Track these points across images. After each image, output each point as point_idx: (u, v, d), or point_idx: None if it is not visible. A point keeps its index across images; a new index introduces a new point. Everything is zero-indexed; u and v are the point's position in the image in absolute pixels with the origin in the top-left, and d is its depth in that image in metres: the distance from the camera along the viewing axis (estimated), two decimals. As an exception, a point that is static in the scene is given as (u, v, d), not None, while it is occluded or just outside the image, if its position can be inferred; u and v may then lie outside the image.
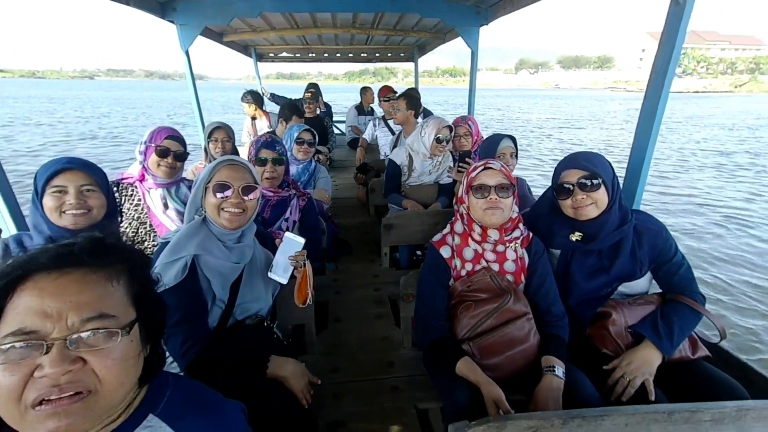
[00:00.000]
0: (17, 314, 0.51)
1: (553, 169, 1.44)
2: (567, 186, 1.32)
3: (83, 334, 0.52)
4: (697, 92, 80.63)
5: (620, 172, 1.47)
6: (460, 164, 2.28)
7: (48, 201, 1.21)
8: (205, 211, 1.25)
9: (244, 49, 6.18)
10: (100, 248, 0.58)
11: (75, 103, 32.97)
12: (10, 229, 1.54)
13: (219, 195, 1.21)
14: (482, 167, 1.34)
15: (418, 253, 2.70)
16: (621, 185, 1.63)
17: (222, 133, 2.62)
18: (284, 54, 6.72)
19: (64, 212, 1.23)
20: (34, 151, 12.01)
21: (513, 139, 2.21)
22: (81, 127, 18.23)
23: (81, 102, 34.97)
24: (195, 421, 0.64)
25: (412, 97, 3.25)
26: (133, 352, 0.57)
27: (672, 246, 1.34)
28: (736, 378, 1.19)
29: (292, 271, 1.35)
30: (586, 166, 1.31)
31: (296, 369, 1.21)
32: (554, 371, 1.15)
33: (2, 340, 0.49)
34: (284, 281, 1.35)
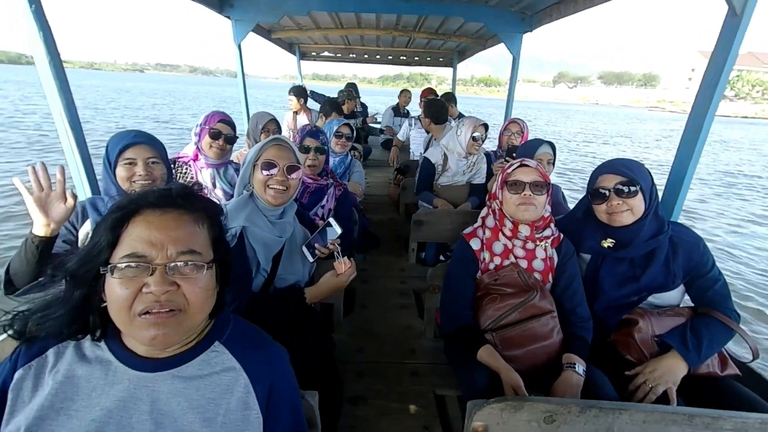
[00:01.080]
0: (131, 241, 0.62)
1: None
2: (603, 191, 1.32)
3: (179, 264, 0.63)
4: (746, 117, 74.08)
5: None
6: (506, 158, 2.31)
7: (120, 171, 1.35)
8: (252, 187, 1.36)
9: (288, 46, 6.41)
10: (190, 195, 0.69)
11: (139, 93, 35.95)
12: (86, 192, 1.70)
13: (265, 172, 1.31)
14: (518, 164, 1.37)
15: (442, 258, 2.73)
16: (661, 198, 1.61)
17: (274, 125, 2.76)
18: (326, 53, 6.91)
19: (133, 182, 1.37)
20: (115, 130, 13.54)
21: (552, 145, 2.20)
22: (147, 113, 20.37)
23: (143, 92, 38.25)
24: (250, 352, 0.73)
25: (429, 105, 3.38)
26: (212, 285, 0.67)
27: (709, 260, 1.31)
28: (767, 400, 1.16)
29: (317, 255, 1.45)
30: (624, 171, 1.30)
31: (330, 283, 1.36)
32: (574, 368, 1.16)
33: (120, 260, 0.61)
34: (311, 259, 1.45)
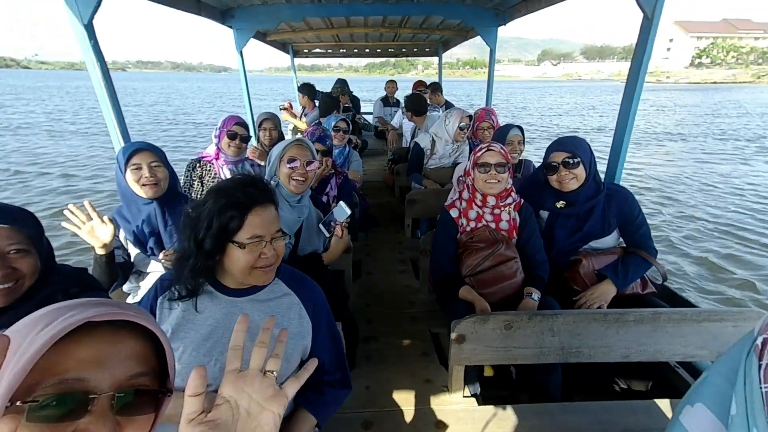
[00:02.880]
0: (251, 227, 0.92)
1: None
2: (554, 164, 1.65)
3: (276, 237, 0.95)
4: (715, 83, 73.44)
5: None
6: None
7: (129, 176, 1.52)
8: (278, 179, 1.66)
9: (282, 46, 6.56)
10: (269, 189, 0.99)
11: (144, 93, 36.74)
12: None
13: (289, 166, 1.61)
14: (486, 149, 1.66)
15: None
16: (607, 163, 1.94)
17: (269, 123, 2.99)
18: (317, 50, 7.08)
19: (142, 185, 1.57)
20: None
21: (521, 128, 2.50)
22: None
23: (147, 91, 39.36)
24: (298, 284, 1.06)
25: (409, 99, 3.75)
26: (284, 247, 0.99)
27: (636, 210, 1.65)
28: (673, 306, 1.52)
29: (333, 230, 1.75)
30: (570, 148, 1.62)
31: (338, 245, 1.70)
32: (531, 296, 1.51)
33: (246, 240, 0.91)
34: (327, 234, 1.76)
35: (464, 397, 1.44)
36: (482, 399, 1.50)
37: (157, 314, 0.96)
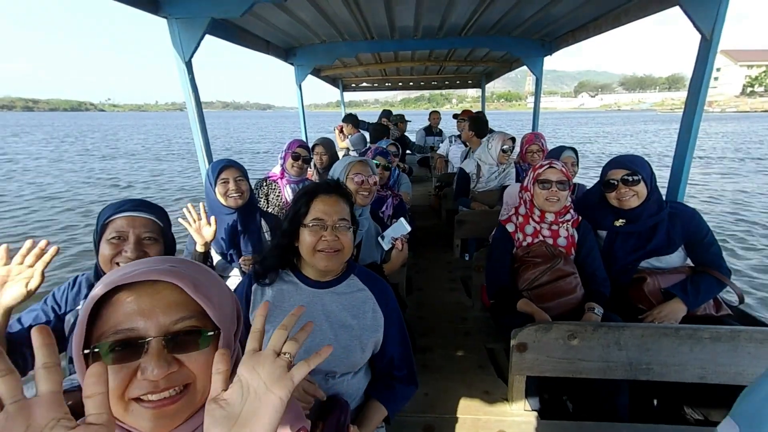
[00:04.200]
0: (315, 211, 1.04)
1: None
2: (612, 181, 1.63)
3: (338, 225, 1.04)
4: (765, 111, 75.89)
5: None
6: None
7: (219, 188, 1.71)
8: None
9: (333, 81, 7.03)
10: (340, 186, 1.11)
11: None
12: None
13: (356, 180, 1.74)
14: (548, 165, 1.68)
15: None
16: (668, 182, 1.90)
17: (321, 148, 3.21)
18: (364, 84, 7.51)
19: (228, 197, 1.76)
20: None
21: (575, 150, 2.50)
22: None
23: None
24: (372, 282, 1.13)
25: (474, 120, 3.80)
26: (352, 239, 1.07)
27: (704, 229, 1.58)
28: None
29: (392, 244, 1.83)
30: (628, 165, 1.60)
31: (399, 257, 1.70)
32: (594, 310, 1.47)
33: (310, 221, 1.03)
34: (386, 247, 1.83)
35: (525, 410, 1.41)
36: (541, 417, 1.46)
37: (252, 299, 1.06)
